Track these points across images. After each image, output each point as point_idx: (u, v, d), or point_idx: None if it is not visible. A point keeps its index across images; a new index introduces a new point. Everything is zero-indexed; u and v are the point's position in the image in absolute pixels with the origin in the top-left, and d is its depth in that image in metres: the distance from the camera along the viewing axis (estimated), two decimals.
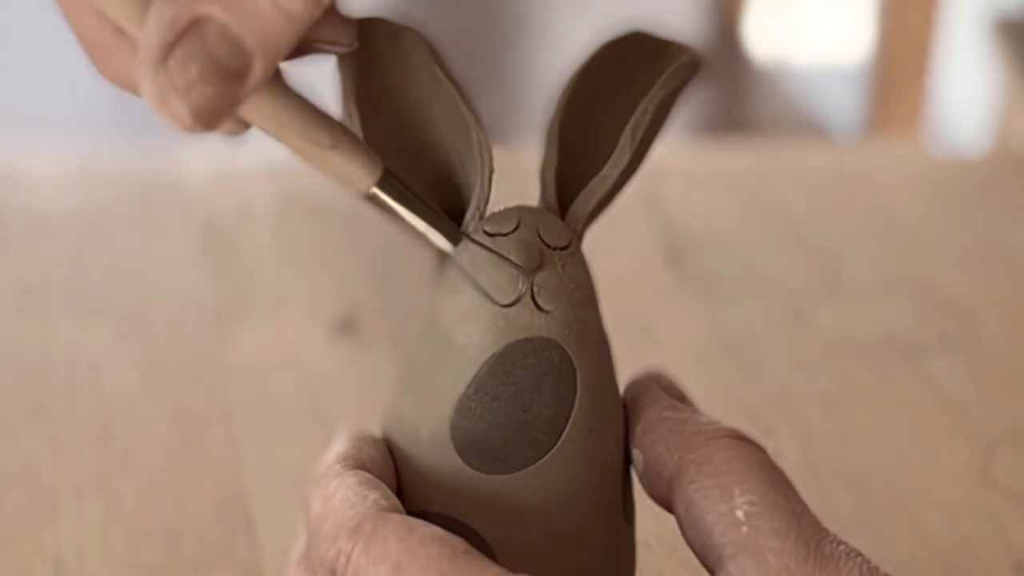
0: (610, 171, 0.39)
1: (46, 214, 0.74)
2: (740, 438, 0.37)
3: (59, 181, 0.77)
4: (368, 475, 0.38)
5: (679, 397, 0.40)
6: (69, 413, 0.60)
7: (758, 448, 0.37)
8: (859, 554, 0.35)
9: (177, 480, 0.57)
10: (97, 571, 0.53)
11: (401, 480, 0.39)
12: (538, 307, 0.37)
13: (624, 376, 0.40)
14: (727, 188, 0.78)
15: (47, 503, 0.56)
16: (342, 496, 0.37)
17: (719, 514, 0.36)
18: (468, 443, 0.37)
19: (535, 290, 0.37)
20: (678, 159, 0.83)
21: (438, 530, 0.35)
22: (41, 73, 1.98)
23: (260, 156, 0.81)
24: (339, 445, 0.39)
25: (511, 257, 0.37)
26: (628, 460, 0.40)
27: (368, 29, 0.39)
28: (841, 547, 0.35)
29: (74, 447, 0.58)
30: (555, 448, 0.37)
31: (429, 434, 0.38)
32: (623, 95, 0.40)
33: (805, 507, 0.36)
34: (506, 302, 0.37)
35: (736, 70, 2.08)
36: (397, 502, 0.37)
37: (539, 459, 0.37)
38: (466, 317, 0.37)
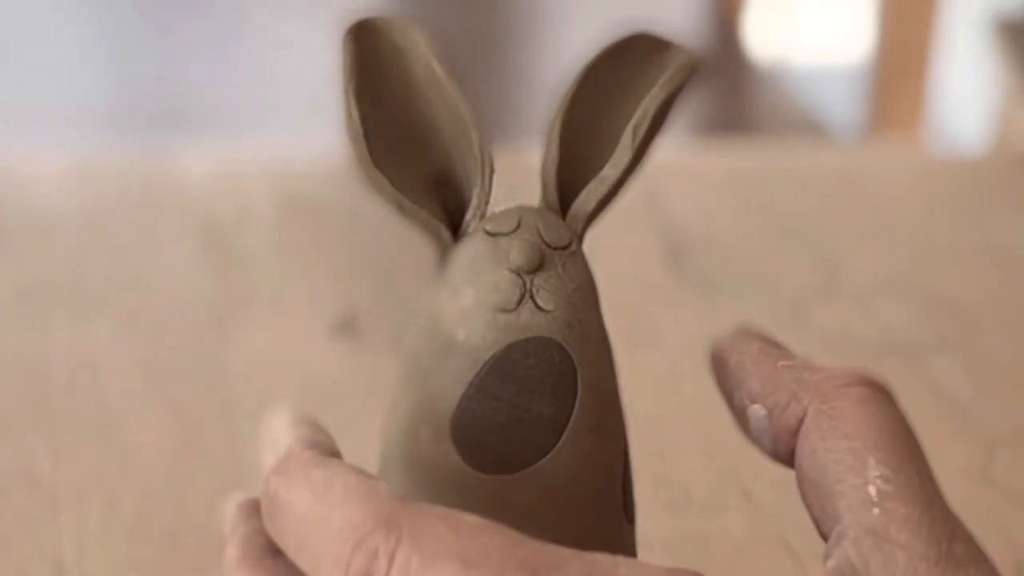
0: (611, 171, 0.39)
1: (46, 214, 0.74)
2: (876, 387, 0.35)
3: (59, 181, 0.77)
4: (353, 465, 0.34)
5: (774, 342, 0.37)
6: (69, 413, 0.60)
7: (893, 403, 0.34)
8: (987, 559, 0.33)
9: (177, 480, 0.57)
10: (97, 571, 0.53)
11: (401, 480, 0.39)
12: (539, 307, 0.37)
13: (625, 377, 0.40)
14: (727, 188, 0.78)
15: (47, 503, 0.56)
16: (342, 488, 0.32)
17: (849, 485, 0.33)
18: (469, 443, 0.37)
19: (536, 290, 0.37)
20: (678, 159, 0.83)
21: (479, 519, 0.32)
22: (41, 73, 1.98)
23: (260, 156, 0.81)
24: (297, 429, 0.36)
25: (512, 257, 0.37)
26: (628, 460, 0.40)
27: (369, 28, 0.39)
28: (972, 548, 0.33)
29: (74, 447, 0.58)
30: (556, 448, 0.37)
31: (429, 434, 0.38)
32: (624, 95, 0.40)
33: (936, 488, 0.34)
34: (507, 302, 0.37)
35: (736, 70, 2.08)
36: (403, 494, 0.34)
37: (540, 459, 0.37)
38: (467, 317, 0.37)
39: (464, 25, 2.07)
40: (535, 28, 2.21)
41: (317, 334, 0.66)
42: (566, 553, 0.32)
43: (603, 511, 0.39)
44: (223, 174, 0.78)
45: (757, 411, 0.36)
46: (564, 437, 0.37)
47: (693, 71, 0.40)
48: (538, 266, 0.37)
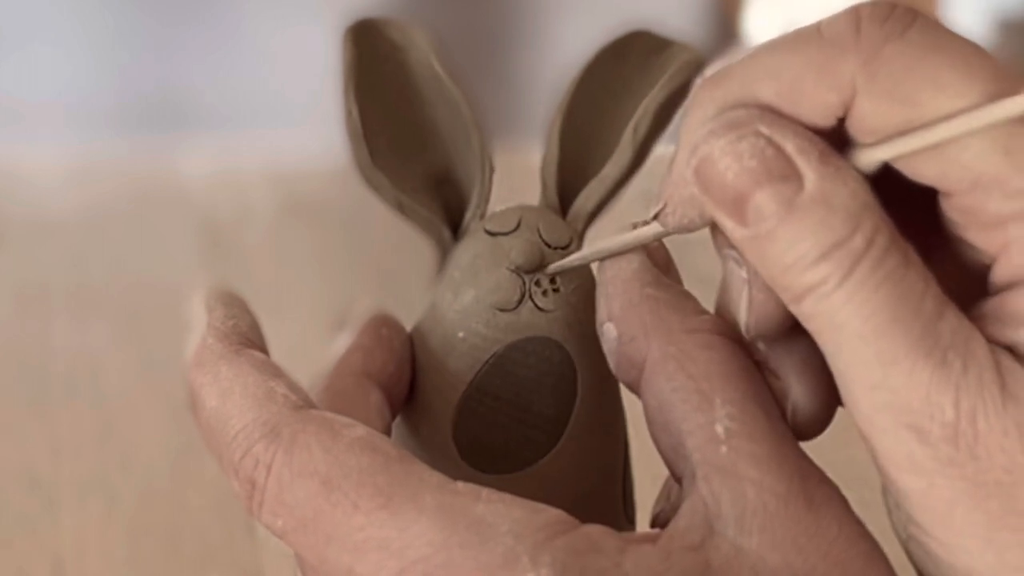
0: (611, 170, 0.39)
1: (46, 214, 0.74)
2: (723, 334, 0.34)
3: (59, 181, 0.77)
4: (262, 357, 0.35)
5: (665, 262, 0.37)
6: (69, 413, 0.60)
7: (740, 348, 0.34)
8: (842, 499, 0.33)
9: (177, 480, 0.57)
10: (97, 571, 0.53)
11: None
12: (539, 307, 0.37)
13: None
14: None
15: (47, 503, 0.56)
16: (242, 389, 0.34)
17: (696, 424, 0.33)
18: (469, 443, 0.37)
19: (536, 290, 0.37)
20: None
21: (362, 431, 0.33)
22: (41, 72, 1.98)
23: (260, 156, 0.81)
24: (210, 313, 0.36)
25: (512, 256, 0.37)
26: (628, 459, 0.40)
27: (369, 28, 0.39)
28: (824, 488, 0.33)
29: (74, 447, 0.58)
30: (556, 448, 0.37)
31: (430, 433, 0.38)
32: (624, 95, 0.40)
33: (786, 429, 0.33)
34: (507, 302, 0.37)
35: None
36: (304, 390, 0.34)
37: (540, 459, 0.37)
38: (467, 316, 0.37)
39: (464, 25, 2.07)
40: (535, 28, 2.21)
41: (316, 334, 0.66)
42: (431, 481, 0.32)
43: (603, 511, 0.39)
44: (223, 174, 0.78)
45: (610, 330, 0.35)
46: (564, 437, 0.37)
47: (694, 70, 0.40)
48: (538, 266, 0.37)
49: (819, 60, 0.32)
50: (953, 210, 0.32)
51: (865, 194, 0.32)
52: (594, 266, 0.39)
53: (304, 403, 0.34)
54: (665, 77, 0.39)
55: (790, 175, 0.32)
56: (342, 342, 0.39)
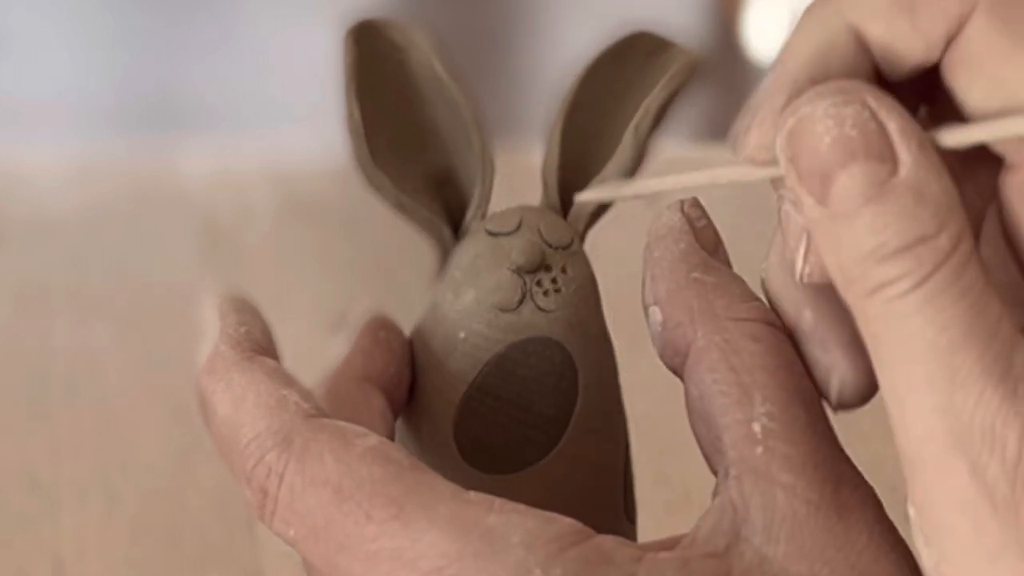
0: (612, 170, 0.39)
1: (46, 214, 0.74)
2: (770, 323, 0.33)
3: (59, 181, 0.77)
4: (274, 364, 0.35)
5: (712, 244, 0.35)
6: (69, 413, 0.60)
7: (786, 339, 0.33)
8: (877, 504, 0.32)
9: (177, 480, 0.57)
10: (97, 571, 0.53)
11: None
12: (539, 307, 0.37)
13: (625, 377, 0.40)
14: (727, 187, 0.78)
15: (47, 503, 0.56)
16: (254, 397, 0.33)
17: (734, 420, 0.32)
18: (470, 443, 0.37)
19: (536, 290, 0.37)
20: (679, 159, 0.83)
21: (375, 439, 0.32)
22: (41, 72, 1.98)
23: (260, 156, 0.81)
24: (222, 320, 0.36)
25: (513, 257, 0.37)
26: (628, 459, 0.40)
27: (370, 28, 0.39)
28: (859, 493, 0.32)
29: (74, 447, 0.58)
30: (556, 448, 0.37)
31: (431, 433, 0.38)
32: (625, 95, 0.40)
33: (828, 429, 0.32)
34: (508, 302, 0.37)
35: (736, 70, 2.08)
36: (317, 400, 0.34)
37: (541, 459, 0.37)
38: (467, 317, 0.37)
39: (464, 25, 2.07)
40: (535, 28, 2.21)
41: (317, 334, 0.66)
42: (444, 490, 0.32)
43: (603, 511, 0.39)
44: (223, 174, 0.78)
45: (655, 314, 0.34)
46: (564, 437, 0.37)
47: (693, 71, 0.40)
48: (539, 266, 0.37)
49: None
50: (1014, 188, 0.30)
51: (956, 194, 0.30)
52: (594, 267, 0.39)
53: (317, 411, 0.33)
54: (665, 78, 0.39)
55: (887, 156, 0.30)
56: (340, 345, 0.38)
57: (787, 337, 0.33)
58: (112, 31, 2.13)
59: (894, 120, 0.30)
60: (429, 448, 0.38)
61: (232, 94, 1.99)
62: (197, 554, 0.53)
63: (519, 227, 0.38)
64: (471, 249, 0.38)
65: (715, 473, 0.33)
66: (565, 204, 0.39)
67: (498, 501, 0.32)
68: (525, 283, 0.37)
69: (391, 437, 0.37)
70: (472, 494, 0.32)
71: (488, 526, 0.31)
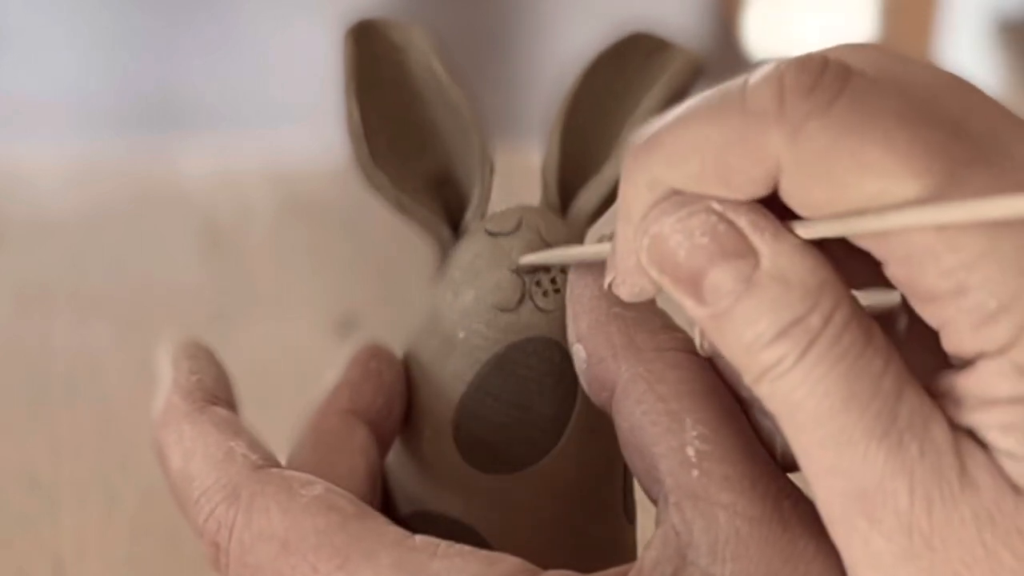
0: (612, 170, 0.39)
1: (46, 214, 0.74)
2: (692, 351, 0.34)
3: (59, 181, 0.77)
4: (224, 413, 0.35)
5: None
6: (69, 414, 0.60)
7: (709, 367, 0.33)
8: (819, 518, 0.31)
9: None
10: (97, 571, 0.53)
11: (402, 479, 0.39)
12: (539, 307, 0.37)
13: None
14: None
15: (47, 503, 0.56)
16: (203, 450, 0.34)
17: (668, 447, 0.32)
18: (470, 442, 0.37)
19: (536, 290, 0.37)
20: None
21: (320, 488, 0.33)
22: (42, 73, 1.98)
23: (260, 156, 0.81)
24: (175, 368, 0.36)
25: (512, 257, 0.37)
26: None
27: (369, 29, 0.39)
28: (801, 507, 0.32)
29: (74, 447, 0.58)
30: (556, 448, 0.37)
31: (431, 433, 0.38)
32: (625, 95, 0.40)
33: (759, 446, 0.33)
34: (507, 302, 0.37)
35: (736, 70, 2.08)
36: (264, 448, 0.35)
37: (540, 459, 0.37)
38: (467, 317, 0.37)
39: (464, 25, 2.07)
40: (535, 28, 2.21)
41: (317, 334, 0.66)
42: (388, 537, 0.32)
43: (603, 511, 0.39)
44: (223, 174, 0.78)
45: (579, 352, 0.35)
46: (564, 437, 0.37)
47: (693, 71, 0.40)
48: (539, 266, 0.37)
49: (743, 133, 0.30)
50: (893, 278, 0.31)
51: (824, 270, 0.30)
52: None
53: (264, 461, 0.34)
54: (665, 78, 0.39)
55: (745, 251, 0.30)
56: (330, 378, 0.39)
57: (705, 362, 0.34)
58: (112, 31, 2.13)
59: (743, 216, 0.31)
60: (430, 449, 0.38)
61: (232, 94, 1.99)
62: (197, 554, 0.53)
63: (519, 227, 0.38)
64: (470, 249, 0.38)
65: (655, 503, 0.33)
66: (565, 204, 0.39)
67: (443, 545, 0.32)
68: (524, 283, 0.37)
69: (374, 471, 0.37)
70: (417, 539, 0.32)
71: (432, 572, 0.32)
